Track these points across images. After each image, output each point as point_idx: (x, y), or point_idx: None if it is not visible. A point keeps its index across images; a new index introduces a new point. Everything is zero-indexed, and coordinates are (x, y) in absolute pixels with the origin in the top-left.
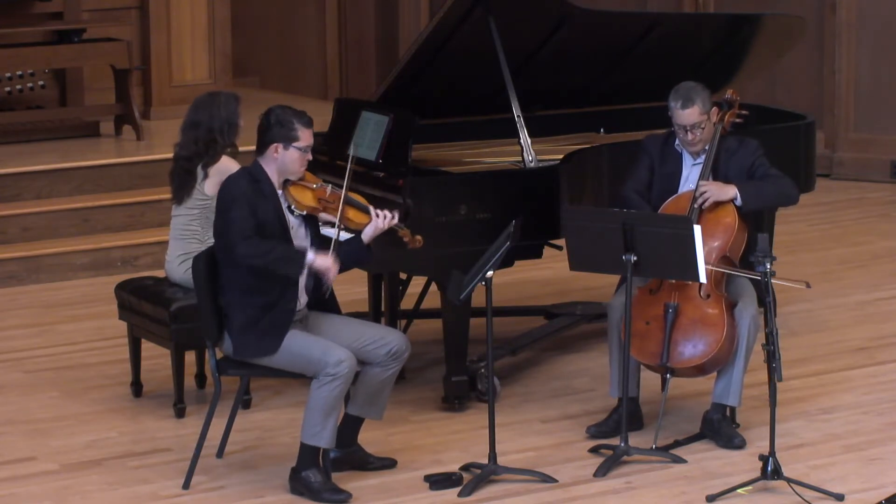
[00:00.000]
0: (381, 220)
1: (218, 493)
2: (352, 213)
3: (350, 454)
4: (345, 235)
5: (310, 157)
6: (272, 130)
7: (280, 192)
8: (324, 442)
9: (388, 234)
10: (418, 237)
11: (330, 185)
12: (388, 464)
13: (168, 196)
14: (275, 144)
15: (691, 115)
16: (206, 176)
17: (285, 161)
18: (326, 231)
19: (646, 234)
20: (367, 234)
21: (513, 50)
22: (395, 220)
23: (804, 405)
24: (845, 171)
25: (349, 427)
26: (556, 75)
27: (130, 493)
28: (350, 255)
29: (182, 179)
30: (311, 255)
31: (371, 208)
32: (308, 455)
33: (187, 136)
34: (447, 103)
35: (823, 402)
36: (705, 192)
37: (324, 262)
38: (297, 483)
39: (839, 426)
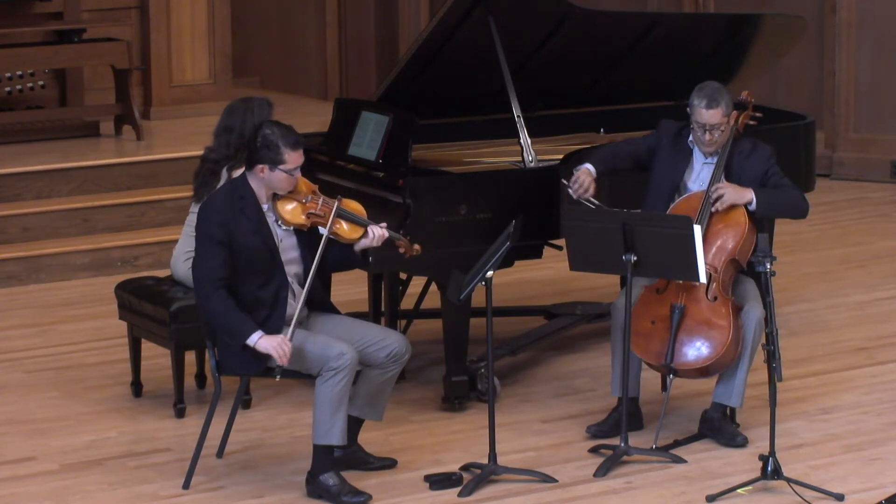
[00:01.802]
0: (374, 240)
1: (218, 493)
2: (343, 229)
3: (350, 454)
4: None
5: (298, 174)
6: (259, 152)
7: (267, 206)
8: (335, 439)
9: (386, 244)
10: (416, 247)
11: (323, 198)
12: (388, 464)
13: (169, 195)
14: (260, 165)
15: (714, 115)
16: (229, 178)
17: (272, 181)
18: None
19: (646, 234)
20: (359, 247)
21: (513, 50)
22: (387, 236)
23: (804, 405)
24: (845, 171)
25: (349, 427)
26: (556, 75)
27: (130, 493)
28: (342, 259)
29: (205, 179)
30: (254, 338)
31: (368, 225)
32: (322, 457)
33: (220, 141)
34: (447, 103)
35: (823, 402)
36: (723, 194)
37: (268, 344)
38: (314, 487)
39: (839, 426)
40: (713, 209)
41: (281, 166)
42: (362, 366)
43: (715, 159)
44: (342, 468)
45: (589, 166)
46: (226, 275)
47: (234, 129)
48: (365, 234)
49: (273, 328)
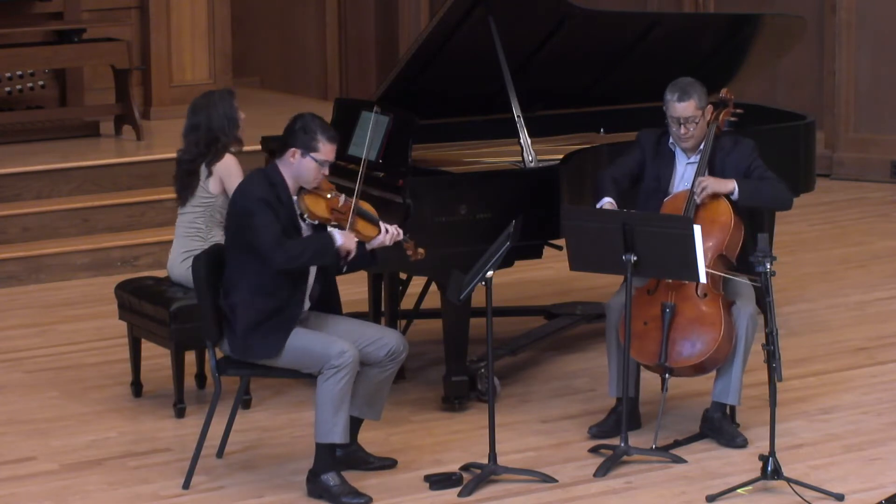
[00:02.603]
0: (387, 237)
1: (218, 493)
2: (361, 226)
3: (350, 454)
4: None
5: (326, 172)
6: (295, 135)
7: (294, 198)
8: (337, 437)
9: (394, 244)
10: (421, 250)
11: (343, 196)
12: (388, 464)
13: (169, 195)
14: (293, 149)
15: (687, 108)
16: (209, 174)
17: (300, 169)
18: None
19: (646, 234)
20: (372, 245)
21: (513, 50)
22: (401, 237)
23: (804, 405)
24: (845, 171)
25: (349, 427)
26: (556, 75)
27: (130, 493)
28: (354, 261)
29: (185, 181)
30: (339, 239)
31: (380, 223)
32: (324, 456)
33: (189, 141)
34: (448, 103)
35: (823, 402)
36: (706, 186)
37: (349, 240)
38: (315, 486)
39: (839, 426)
40: (697, 199)
41: (313, 154)
42: (361, 365)
43: (697, 158)
44: (342, 468)
45: (610, 199)
46: (280, 229)
47: (201, 126)
48: (379, 232)
49: (290, 313)
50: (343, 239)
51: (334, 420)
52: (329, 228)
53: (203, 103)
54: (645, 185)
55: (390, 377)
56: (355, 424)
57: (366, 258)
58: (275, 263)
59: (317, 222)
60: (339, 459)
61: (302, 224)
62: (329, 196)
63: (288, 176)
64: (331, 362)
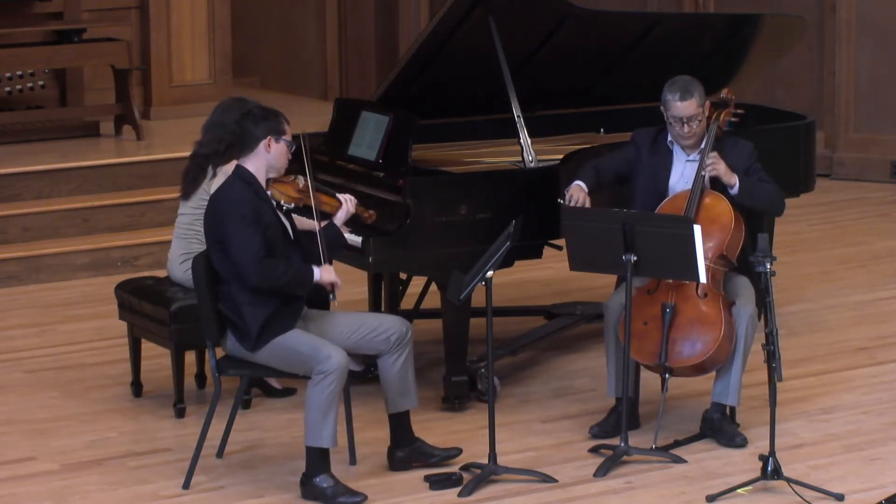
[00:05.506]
0: (350, 204)
1: (218, 493)
2: (325, 199)
3: (413, 451)
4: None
5: (289, 155)
6: (262, 124)
7: (268, 192)
8: (326, 442)
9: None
10: (371, 212)
11: (300, 177)
12: (453, 454)
13: (169, 195)
14: (269, 137)
15: (689, 107)
16: (213, 175)
17: (275, 155)
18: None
19: (646, 234)
20: (340, 219)
21: (513, 50)
22: (356, 200)
23: (804, 405)
24: (845, 171)
25: (398, 426)
26: (556, 75)
27: (130, 493)
28: (332, 240)
29: (196, 175)
30: (317, 272)
31: (336, 193)
32: (316, 459)
33: (212, 135)
34: (447, 103)
35: (823, 402)
36: (718, 167)
37: (328, 274)
38: (308, 490)
39: (839, 426)
40: (703, 173)
41: (284, 136)
42: (371, 357)
43: (697, 156)
44: (409, 466)
45: (580, 183)
46: (266, 252)
47: (228, 126)
48: (340, 202)
49: (297, 303)
50: (322, 273)
51: (323, 424)
52: (315, 269)
53: (237, 107)
54: (642, 183)
55: (408, 361)
56: (402, 420)
57: (339, 236)
58: (250, 280)
59: (293, 205)
60: (399, 458)
61: (280, 214)
62: (291, 179)
63: (258, 170)
64: (318, 367)
